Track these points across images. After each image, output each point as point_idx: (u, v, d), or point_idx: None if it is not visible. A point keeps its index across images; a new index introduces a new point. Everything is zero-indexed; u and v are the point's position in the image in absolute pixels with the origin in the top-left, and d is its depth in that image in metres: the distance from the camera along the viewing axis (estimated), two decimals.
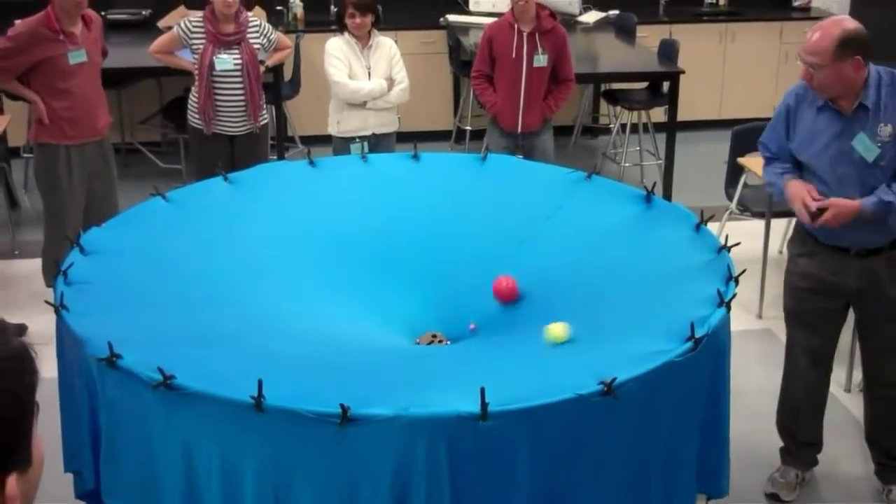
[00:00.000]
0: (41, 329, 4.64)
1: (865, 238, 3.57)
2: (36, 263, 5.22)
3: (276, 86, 6.74)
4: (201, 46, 5.28)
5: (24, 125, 5.12)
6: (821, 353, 3.80)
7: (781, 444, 3.95)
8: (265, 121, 5.56)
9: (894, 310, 3.64)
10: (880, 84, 3.42)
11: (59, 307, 2.94)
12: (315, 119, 6.70)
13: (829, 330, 3.78)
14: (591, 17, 8.15)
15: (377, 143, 5.43)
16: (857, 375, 4.50)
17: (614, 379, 2.49)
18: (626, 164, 7.20)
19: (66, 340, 2.98)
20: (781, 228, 5.89)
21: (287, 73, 7.11)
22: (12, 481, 1.11)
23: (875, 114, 3.41)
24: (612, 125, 7.84)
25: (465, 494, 2.46)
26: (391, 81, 5.41)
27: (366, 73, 5.36)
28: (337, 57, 5.33)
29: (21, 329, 4.95)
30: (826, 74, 3.37)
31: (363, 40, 5.35)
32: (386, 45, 5.44)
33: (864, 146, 3.40)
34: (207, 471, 2.59)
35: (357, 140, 5.40)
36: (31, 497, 1.17)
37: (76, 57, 4.80)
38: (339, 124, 5.45)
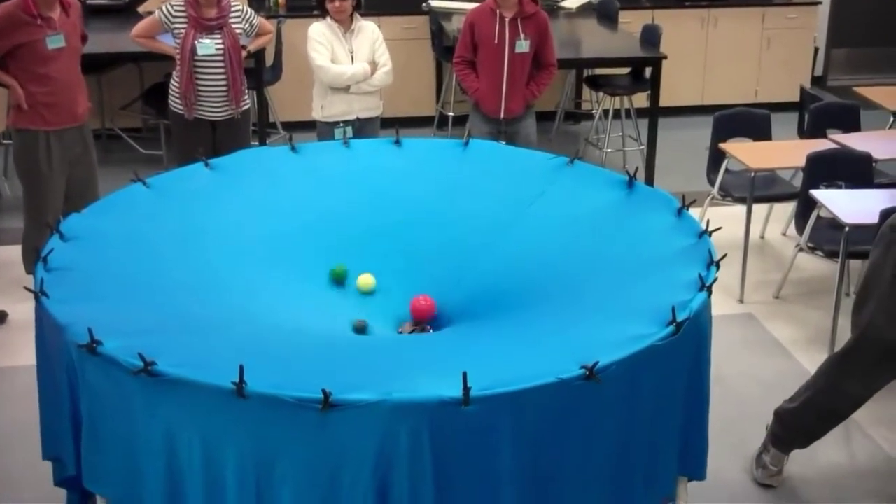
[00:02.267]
0: (22, 316, 4.63)
1: None
2: (16, 250, 5.19)
3: (258, 71, 6.71)
4: (183, 31, 5.25)
5: (3, 111, 5.08)
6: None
7: (765, 429, 3.91)
8: (247, 106, 5.54)
9: None
10: None
11: (38, 293, 2.92)
12: (297, 104, 6.67)
13: None
14: (574, 2, 8.14)
15: (361, 127, 5.42)
16: None
17: (596, 363, 2.49)
18: (609, 150, 7.21)
19: (46, 327, 2.96)
20: (763, 213, 5.91)
21: (269, 59, 7.08)
22: None
23: None
24: (594, 111, 7.84)
25: (447, 479, 2.47)
26: (374, 65, 5.39)
27: (349, 56, 5.34)
28: (319, 41, 5.31)
29: (1, 316, 4.93)
30: None
31: (345, 24, 5.33)
32: (368, 29, 5.42)
33: None
34: (189, 457, 2.58)
35: (341, 125, 5.38)
36: None
37: (54, 42, 4.77)
38: (324, 109, 5.43)
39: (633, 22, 7.80)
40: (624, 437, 2.72)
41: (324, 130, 5.45)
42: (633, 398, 2.69)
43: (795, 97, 6.93)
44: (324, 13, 5.34)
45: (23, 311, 4.46)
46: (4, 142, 6.31)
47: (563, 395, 2.50)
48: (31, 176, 4.95)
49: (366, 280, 3.51)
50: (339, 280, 3.53)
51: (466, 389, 2.38)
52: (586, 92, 8.24)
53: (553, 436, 2.55)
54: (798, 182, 5.30)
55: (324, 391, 2.38)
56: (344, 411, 2.40)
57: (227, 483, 2.55)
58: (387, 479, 2.44)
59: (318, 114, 5.48)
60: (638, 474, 2.81)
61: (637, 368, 2.64)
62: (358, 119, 5.42)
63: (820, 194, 4.37)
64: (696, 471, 3.12)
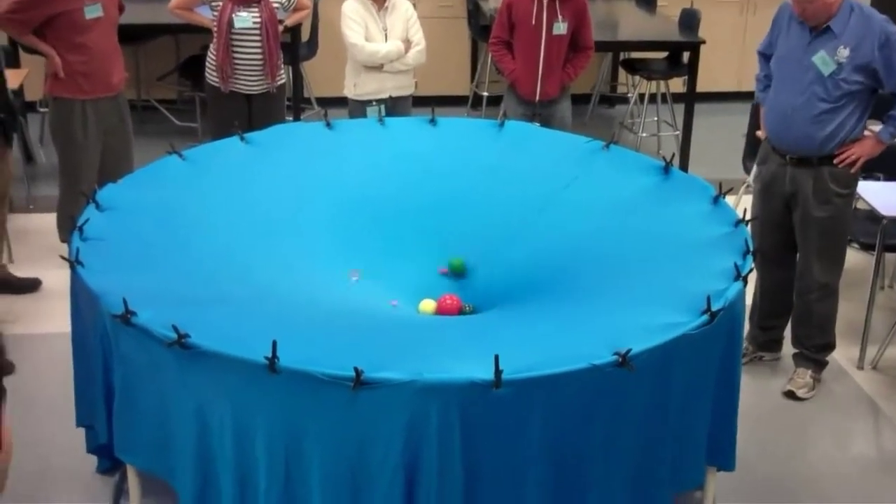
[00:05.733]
0: (55, 284, 4.66)
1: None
2: (51, 218, 5.22)
3: (294, 46, 6.70)
4: (220, 3, 5.25)
5: (41, 79, 5.09)
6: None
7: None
8: (282, 81, 5.53)
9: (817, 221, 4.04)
10: (851, 13, 3.89)
11: (74, 262, 2.94)
12: (332, 81, 6.65)
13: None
14: None
15: (394, 106, 5.40)
16: (871, 352, 4.50)
17: (629, 350, 2.48)
18: (644, 135, 7.15)
19: (81, 296, 2.98)
20: None
21: (305, 34, 7.07)
22: None
23: (838, 37, 3.88)
24: (630, 95, 7.78)
25: (476, 460, 2.47)
26: (408, 43, 5.37)
27: (382, 35, 5.32)
28: (353, 19, 5.29)
29: (35, 283, 4.96)
30: (817, 7, 3.87)
31: (379, 2, 5.30)
32: (402, 7, 5.39)
33: (823, 61, 3.90)
34: (220, 430, 2.60)
35: (374, 103, 5.36)
36: (1, 483, 1.13)
37: (92, 11, 4.78)
38: (356, 87, 5.42)
39: (671, 6, 7.72)
40: (653, 424, 2.71)
41: (355, 108, 5.44)
42: (664, 386, 2.68)
43: None
44: None
45: (56, 278, 4.49)
46: (41, 109, 6.34)
47: (595, 381, 2.49)
48: (67, 144, 4.97)
49: (426, 306, 3.44)
50: (458, 272, 3.54)
51: (498, 372, 2.38)
52: (622, 75, 8.17)
53: (583, 421, 2.55)
54: None
55: (355, 369, 2.38)
56: (375, 390, 2.40)
57: (257, 457, 2.56)
58: (416, 458, 2.44)
59: (350, 91, 5.46)
60: (666, 462, 2.80)
61: (669, 356, 2.63)
62: (390, 97, 5.40)
63: (859, 186, 4.33)
64: (725, 461, 3.11)
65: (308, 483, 2.52)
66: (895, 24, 3.91)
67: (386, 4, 5.32)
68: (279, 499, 2.56)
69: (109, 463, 3.18)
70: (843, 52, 3.87)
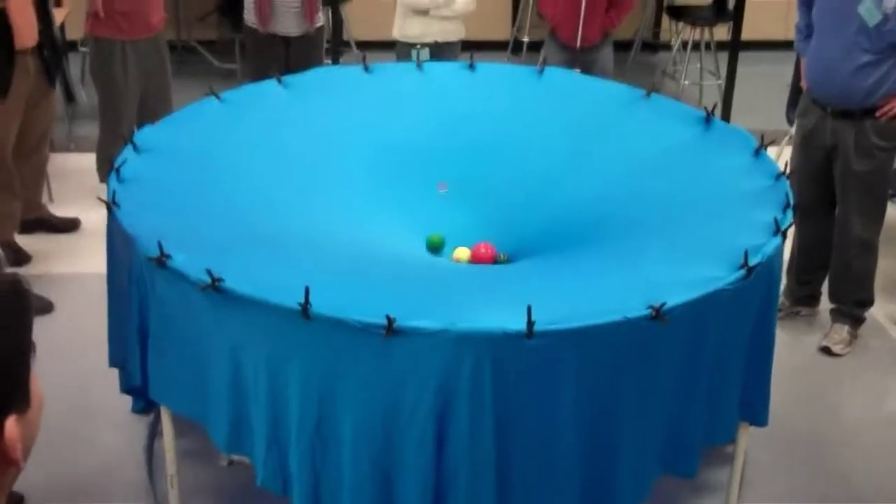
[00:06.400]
0: (94, 224, 4.70)
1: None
2: (90, 158, 5.25)
3: None
4: None
5: (82, 18, 5.09)
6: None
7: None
8: (321, 23, 5.49)
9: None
10: None
11: (110, 204, 2.95)
12: (372, 24, 6.60)
13: None
14: None
15: (440, 51, 5.33)
16: None
17: (663, 304, 2.46)
18: (686, 83, 7.04)
19: (117, 237, 3.00)
20: None
21: None
22: (11, 423, 1.07)
23: None
24: (673, 42, 7.65)
25: (507, 411, 2.47)
26: None
27: None
28: None
29: (75, 223, 4.99)
30: None
31: None
32: None
33: (869, 12, 3.80)
34: (254, 374, 2.61)
35: (418, 46, 5.30)
36: (32, 439, 1.14)
37: None
38: (402, 29, 5.37)
39: None
40: (687, 378, 2.69)
41: (402, 51, 5.39)
42: (698, 341, 2.65)
43: None
44: None
45: (95, 218, 4.52)
46: (82, 49, 6.35)
47: (629, 335, 2.48)
48: (107, 85, 4.98)
49: (460, 254, 3.43)
50: (434, 249, 3.49)
51: (531, 323, 2.36)
52: (665, 21, 8.04)
53: (615, 375, 2.54)
54: None
55: (388, 317, 2.38)
56: (407, 338, 2.40)
57: (289, 401, 2.58)
58: (447, 407, 2.45)
59: (397, 33, 5.42)
60: (698, 417, 2.79)
61: (705, 311, 2.60)
62: (436, 43, 5.34)
63: None
64: (758, 417, 3.09)
65: (340, 429, 2.54)
66: None
67: None
68: (311, 443, 2.58)
69: (144, 403, 3.22)
70: (890, 3, 3.79)
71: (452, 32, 5.39)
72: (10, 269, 1.12)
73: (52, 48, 4.73)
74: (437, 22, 5.31)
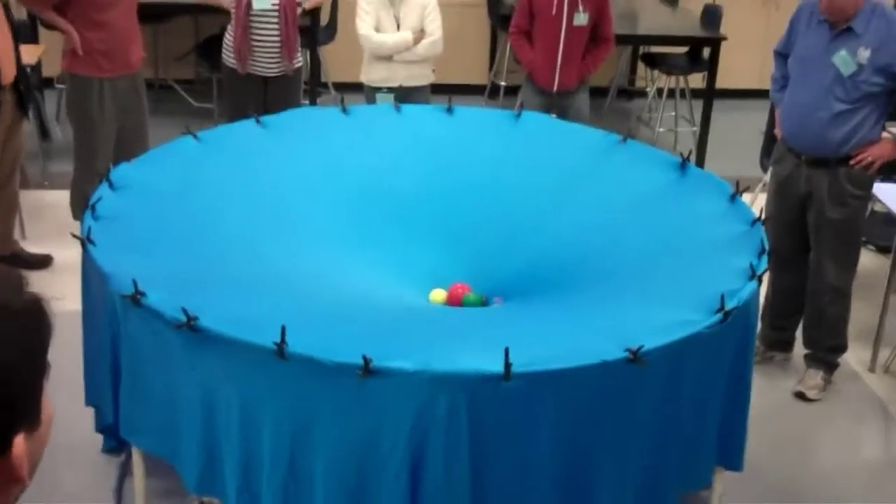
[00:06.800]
0: (68, 261, 4.65)
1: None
2: (65, 195, 5.21)
3: (313, 30, 6.67)
4: None
5: (59, 55, 5.09)
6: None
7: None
8: (299, 64, 5.51)
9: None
10: (873, 13, 3.85)
11: (85, 241, 2.93)
12: (349, 66, 6.62)
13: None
14: None
15: (408, 95, 5.34)
16: (884, 355, 4.47)
17: (641, 347, 2.46)
18: (661, 130, 7.11)
19: (92, 275, 2.98)
20: None
21: (324, 18, 7.04)
22: (20, 441, 1.06)
23: (859, 37, 3.84)
24: (648, 89, 7.73)
25: (483, 453, 2.45)
26: (422, 33, 5.31)
27: (394, 24, 5.26)
28: (365, 9, 5.25)
29: (47, 259, 4.96)
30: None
31: None
32: None
33: (844, 62, 3.85)
34: (226, 414, 2.59)
35: (384, 90, 5.31)
36: (38, 456, 1.13)
37: None
38: (368, 73, 5.39)
39: (693, 0, 7.67)
40: (664, 422, 2.69)
41: (368, 94, 5.42)
42: (675, 384, 2.66)
43: None
44: None
45: (68, 256, 4.48)
46: (59, 86, 6.34)
47: (606, 377, 2.48)
48: (84, 122, 4.96)
49: (436, 295, 3.43)
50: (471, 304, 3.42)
51: (508, 365, 2.36)
52: (641, 69, 8.13)
53: (592, 417, 2.53)
54: None
55: (364, 357, 2.36)
56: (383, 379, 2.39)
57: (262, 442, 2.55)
58: (422, 449, 2.43)
59: (363, 76, 5.44)
60: (675, 461, 2.78)
61: (681, 354, 2.61)
62: (401, 87, 5.35)
63: (877, 188, 4.31)
64: (734, 461, 3.09)
65: (312, 471, 2.51)
66: None
67: None
68: (284, 483, 2.55)
69: (115, 442, 3.18)
70: (864, 53, 3.84)
71: (419, 77, 5.40)
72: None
73: (24, 77, 4.73)
74: (402, 66, 5.32)
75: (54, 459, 3.49)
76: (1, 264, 1.13)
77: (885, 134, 4.06)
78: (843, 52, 3.86)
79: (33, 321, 1.07)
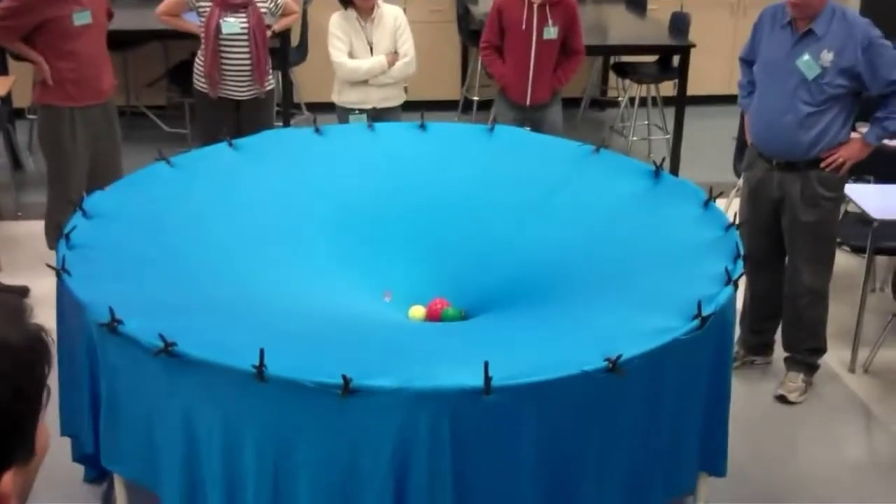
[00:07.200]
0: (43, 291, 4.61)
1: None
2: (39, 225, 5.19)
3: (283, 51, 6.68)
4: (208, 9, 5.23)
5: (29, 86, 5.07)
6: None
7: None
8: (271, 86, 5.51)
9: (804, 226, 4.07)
10: (833, 16, 3.89)
11: (60, 271, 2.91)
12: (321, 86, 6.63)
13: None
14: None
15: (380, 116, 5.33)
16: (863, 355, 4.50)
17: (620, 356, 2.47)
18: (634, 138, 7.15)
19: (67, 304, 2.96)
20: None
21: (294, 40, 7.05)
22: (8, 477, 1.05)
23: (821, 39, 3.88)
24: (620, 98, 7.78)
25: (467, 468, 2.45)
26: (395, 55, 5.31)
27: (367, 49, 5.26)
28: (337, 36, 5.24)
29: (24, 291, 4.93)
30: None
31: (365, 14, 5.24)
32: (390, 18, 5.31)
33: (807, 66, 3.89)
34: (208, 438, 2.57)
35: (357, 112, 5.31)
36: (30, 485, 1.11)
37: (81, 18, 4.75)
38: (340, 95, 5.39)
39: (661, 9, 7.72)
40: (646, 430, 2.69)
41: (341, 115, 5.41)
42: (655, 391, 2.66)
43: None
44: (346, 3, 5.25)
45: (44, 286, 4.44)
46: (29, 116, 6.32)
47: (586, 387, 2.48)
48: (56, 152, 4.94)
49: (415, 312, 3.44)
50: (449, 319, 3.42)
51: (488, 379, 2.36)
52: (612, 79, 8.17)
53: (575, 428, 2.53)
54: None
55: (344, 377, 2.36)
56: (364, 397, 2.39)
57: (244, 465, 2.54)
58: (405, 466, 2.43)
59: (336, 97, 5.44)
60: (658, 468, 2.79)
61: (660, 362, 2.62)
62: (375, 108, 5.34)
63: (849, 189, 4.34)
64: (716, 466, 3.09)
65: (296, 492, 2.50)
66: (877, 28, 3.92)
67: (372, 16, 5.27)
68: None
69: (96, 472, 3.15)
70: (827, 56, 3.87)
71: (392, 98, 5.39)
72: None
73: None
74: (376, 89, 5.32)
75: (35, 491, 3.48)
76: (1, 293, 1.11)
77: (854, 134, 4.10)
78: (806, 57, 3.90)
79: (32, 356, 1.06)
